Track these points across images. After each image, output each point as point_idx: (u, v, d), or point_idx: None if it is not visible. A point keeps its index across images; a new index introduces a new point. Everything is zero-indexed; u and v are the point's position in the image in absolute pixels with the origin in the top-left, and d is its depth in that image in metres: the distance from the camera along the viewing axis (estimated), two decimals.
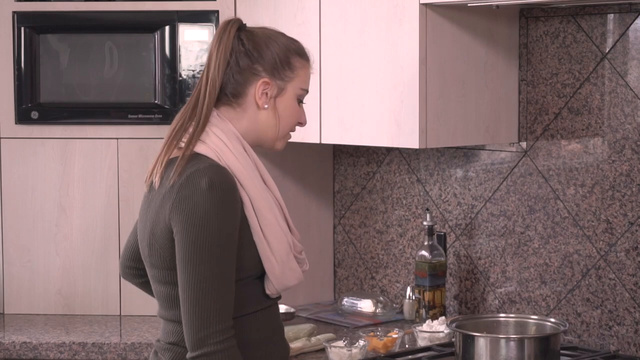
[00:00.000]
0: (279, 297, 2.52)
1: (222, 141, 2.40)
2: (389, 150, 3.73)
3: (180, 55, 3.64)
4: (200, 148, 2.39)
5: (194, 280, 2.29)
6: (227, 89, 2.45)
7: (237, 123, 2.45)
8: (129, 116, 3.68)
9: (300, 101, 2.52)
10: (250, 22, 2.55)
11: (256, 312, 2.44)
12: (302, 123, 2.54)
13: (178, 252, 2.32)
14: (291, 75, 2.47)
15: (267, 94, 2.45)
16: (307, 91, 2.53)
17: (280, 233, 2.41)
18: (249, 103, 2.46)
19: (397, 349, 3.11)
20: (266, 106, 2.45)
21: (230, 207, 2.31)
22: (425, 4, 3.07)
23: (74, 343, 3.40)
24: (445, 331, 3.16)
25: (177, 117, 2.47)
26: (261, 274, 2.43)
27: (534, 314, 3.29)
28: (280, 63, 2.46)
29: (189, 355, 2.30)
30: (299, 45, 2.53)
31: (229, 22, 2.48)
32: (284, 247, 2.42)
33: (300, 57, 2.50)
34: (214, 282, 2.29)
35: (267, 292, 2.44)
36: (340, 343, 3.02)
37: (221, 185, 2.31)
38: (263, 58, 2.45)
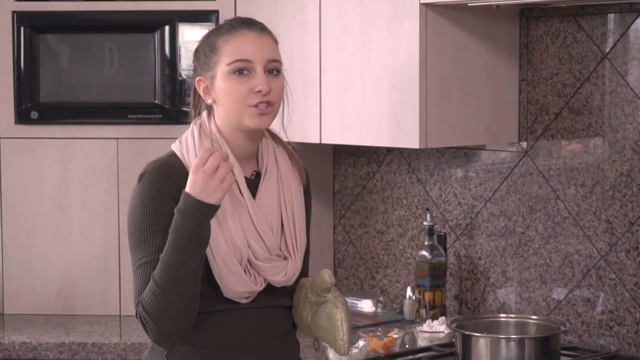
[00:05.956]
0: (268, 303, 2.49)
1: (193, 137, 2.47)
2: (389, 150, 3.72)
3: (180, 55, 3.64)
4: (173, 145, 2.49)
5: (132, 265, 2.41)
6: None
7: (216, 120, 2.50)
8: (129, 116, 3.67)
9: (239, 72, 2.43)
10: None
11: (212, 312, 2.43)
12: (260, 91, 2.42)
13: None
14: (216, 58, 2.45)
15: (207, 88, 2.48)
16: (240, 60, 2.43)
17: (218, 235, 2.39)
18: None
19: (397, 349, 3.11)
20: (210, 101, 2.49)
21: (157, 194, 2.37)
22: (425, 4, 3.07)
23: (73, 343, 3.39)
24: (446, 331, 3.16)
25: None
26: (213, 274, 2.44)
27: (534, 314, 3.29)
28: (207, 55, 2.47)
29: None
30: (224, 24, 2.49)
31: None
32: (223, 249, 2.39)
33: (222, 35, 2.46)
34: (143, 265, 2.36)
35: (224, 294, 2.44)
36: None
37: (150, 176, 2.39)
38: (198, 61, 2.50)
